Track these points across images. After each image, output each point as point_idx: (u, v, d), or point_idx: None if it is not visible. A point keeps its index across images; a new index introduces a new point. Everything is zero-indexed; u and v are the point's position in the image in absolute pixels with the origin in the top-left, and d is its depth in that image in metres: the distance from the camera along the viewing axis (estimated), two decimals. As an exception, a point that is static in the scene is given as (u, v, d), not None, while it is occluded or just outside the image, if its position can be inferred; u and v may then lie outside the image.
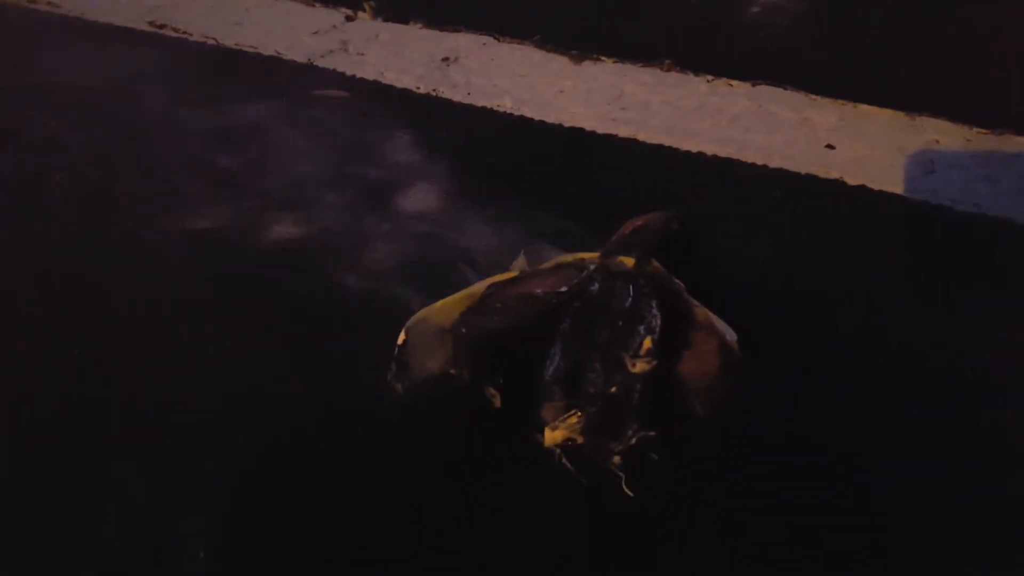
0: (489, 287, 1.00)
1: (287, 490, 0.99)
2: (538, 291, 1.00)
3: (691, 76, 1.55)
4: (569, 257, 1.05)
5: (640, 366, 0.90)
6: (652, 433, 0.93)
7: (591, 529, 0.94)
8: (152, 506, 0.97)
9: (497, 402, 0.97)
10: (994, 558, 0.91)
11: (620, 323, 0.95)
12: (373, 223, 1.27)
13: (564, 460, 0.92)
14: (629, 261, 1.02)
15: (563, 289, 0.99)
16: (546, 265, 1.05)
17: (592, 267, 1.02)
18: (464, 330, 0.97)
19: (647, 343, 0.91)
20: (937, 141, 1.40)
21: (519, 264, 1.08)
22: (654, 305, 0.96)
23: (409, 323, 0.97)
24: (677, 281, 1.01)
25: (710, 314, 0.98)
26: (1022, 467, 0.99)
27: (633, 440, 0.92)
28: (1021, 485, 0.97)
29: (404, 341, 0.96)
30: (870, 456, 1.01)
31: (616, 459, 0.91)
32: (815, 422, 1.04)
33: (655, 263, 1.02)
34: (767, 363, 1.07)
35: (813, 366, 1.10)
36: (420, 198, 1.31)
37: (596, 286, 1.00)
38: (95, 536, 0.95)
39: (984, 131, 1.42)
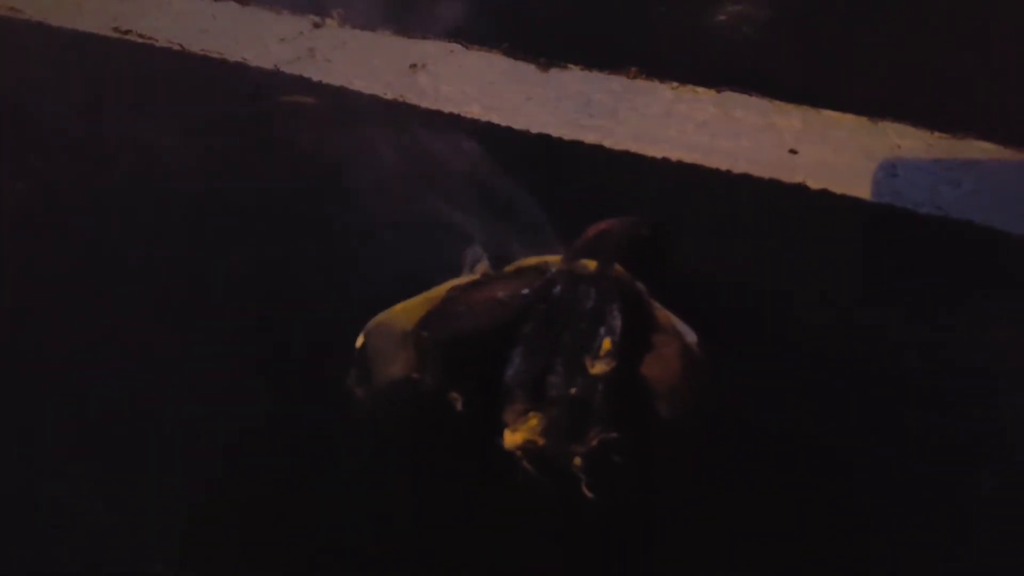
0: (450, 290, 1.00)
1: (246, 502, 0.97)
2: (500, 294, 0.99)
3: (657, 83, 1.56)
4: (532, 260, 1.05)
5: (599, 367, 0.90)
6: (615, 435, 0.93)
7: (555, 534, 0.94)
8: (108, 521, 0.96)
9: (459, 406, 0.96)
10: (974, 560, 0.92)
11: (582, 325, 0.94)
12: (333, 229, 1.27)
13: (525, 463, 0.91)
14: (592, 264, 1.02)
15: (525, 292, 0.99)
16: (508, 268, 1.04)
17: (555, 270, 1.02)
18: (425, 334, 0.96)
19: (606, 344, 0.91)
20: (899, 145, 1.42)
21: (481, 267, 1.07)
22: (616, 307, 0.96)
23: (367, 327, 0.96)
24: (639, 284, 1.00)
25: (671, 316, 0.98)
26: (989, 466, 1.00)
27: (595, 442, 0.92)
28: (990, 483, 0.98)
29: (362, 345, 0.95)
30: (837, 458, 1.01)
31: (577, 461, 0.91)
32: (780, 426, 1.04)
33: (618, 267, 1.02)
34: (732, 367, 1.07)
35: (778, 370, 1.10)
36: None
37: (559, 288, 0.99)
38: (47, 555, 0.93)
39: (945, 135, 1.43)
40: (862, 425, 1.04)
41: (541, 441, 0.90)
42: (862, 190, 1.33)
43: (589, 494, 0.89)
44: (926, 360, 1.10)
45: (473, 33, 1.69)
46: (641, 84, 1.56)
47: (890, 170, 1.37)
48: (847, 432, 1.04)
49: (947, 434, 1.02)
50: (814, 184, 1.34)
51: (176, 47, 1.67)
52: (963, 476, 0.98)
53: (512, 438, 0.89)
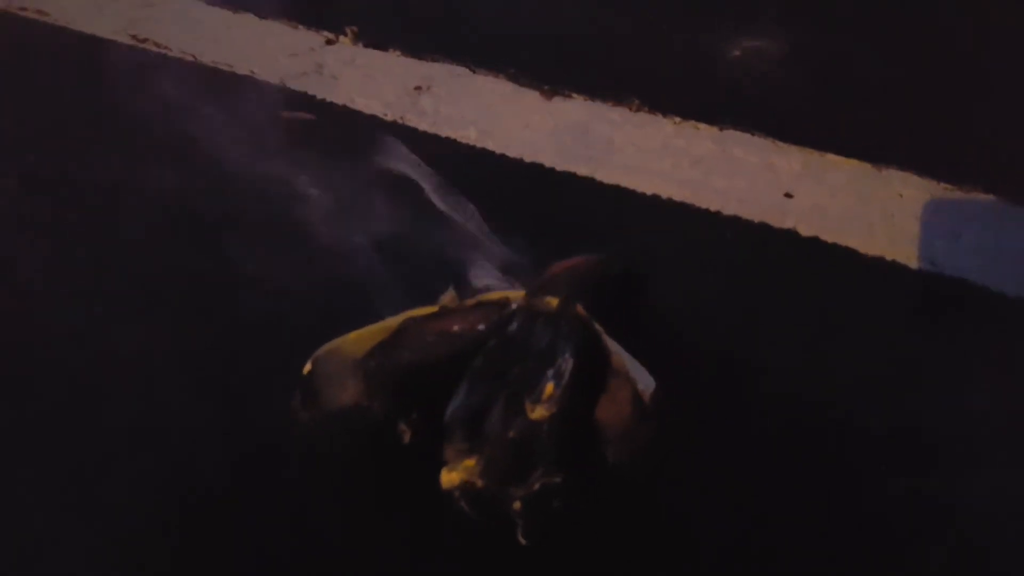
0: (405, 321, 0.99)
1: (185, 523, 0.97)
2: (456, 327, 0.98)
3: (659, 117, 1.53)
4: (494, 295, 1.04)
5: (539, 412, 0.88)
6: (558, 479, 0.91)
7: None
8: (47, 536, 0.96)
9: (406, 439, 0.95)
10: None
11: (530, 365, 0.93)
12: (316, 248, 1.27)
13: (463, 503, 0.90)
14: (554, 302, 1.01)
15: (480, 327, 0.98)
16: (469, 302, 1.03)
17: (514, 306, 1.00)
18: (374, 363, 0.96)
19: (548, 389, 0.89)
20: (901, 195, 1.37)
21: (447, 298, 1.06)
22: (569, 349, 0.94)
23: (317, 353, 0.96)
24: (597, 326, 0.99)
25: (626, 361, 0.96)
26: (964, 537, 0.96)
27: (537, 486, 0.90)
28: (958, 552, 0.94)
29: (309, 372, 0.95)
30: (791, 520, 0.98)
31: (516, 505, 0.89)
32: (744, 475, 1.01)
33: (579, 306, 1.00)
34: (700, 414, 1.04)
35: (749, 420, 1.07)
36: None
37: (515, 325, 0.98)
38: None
39: (951, 187, 1.39)
40: (833, 488, 1.01)
41: (479, 482, 0.89)
42: (853, 239, 1.29)
43: (523, 541, 0.88)
44: (901, 426, 1.06)
45: (484, 57, 1.68)
46: (643, 117, 1.54)
47: (886, 219, 1.33)
48: (816, 494, 1.00)
49: (906, 503, 0.98)
50: (805, 231, 1.30)
51: (188, 57, 1.69)
52: (915, 549, 0.94)
53: (448, 477, 0.88)
